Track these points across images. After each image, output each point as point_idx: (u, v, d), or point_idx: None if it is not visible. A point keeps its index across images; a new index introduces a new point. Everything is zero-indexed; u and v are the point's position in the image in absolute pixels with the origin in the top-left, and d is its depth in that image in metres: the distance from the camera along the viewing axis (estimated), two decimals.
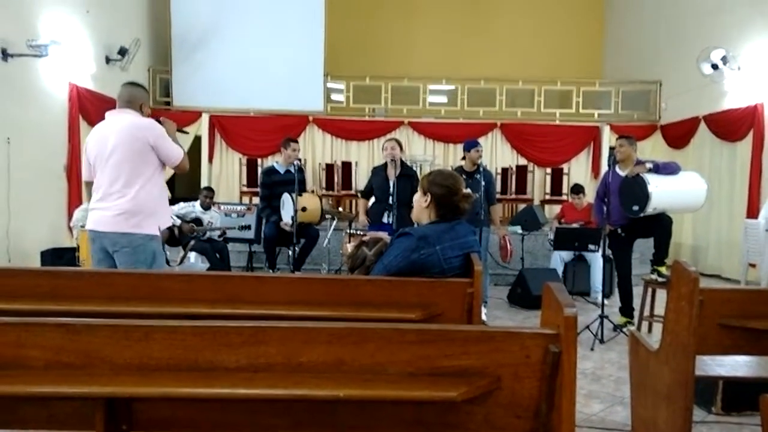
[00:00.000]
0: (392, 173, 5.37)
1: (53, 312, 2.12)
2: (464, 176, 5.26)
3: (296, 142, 6.19)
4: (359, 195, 6.04)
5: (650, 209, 4.74)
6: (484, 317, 5.45)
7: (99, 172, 3.35)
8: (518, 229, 7.29)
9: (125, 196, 3.28)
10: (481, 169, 5.44)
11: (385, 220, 5.37)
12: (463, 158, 5.63)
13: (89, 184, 3.54)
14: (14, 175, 6.48)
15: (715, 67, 8.12)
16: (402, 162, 5.43)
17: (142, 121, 3.37)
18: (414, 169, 5.47)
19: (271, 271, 6.03)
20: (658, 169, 4.88)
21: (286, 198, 5.71)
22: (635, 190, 4.82)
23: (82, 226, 5.45)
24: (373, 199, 5.67)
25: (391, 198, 5.31)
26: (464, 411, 1.54)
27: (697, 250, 8.91)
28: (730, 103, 8.30)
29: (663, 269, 4.84)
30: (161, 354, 1.51)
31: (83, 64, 7.88)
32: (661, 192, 4.75)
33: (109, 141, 3.30)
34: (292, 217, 5.45)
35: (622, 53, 11.85)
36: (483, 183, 5.33)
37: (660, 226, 4.94)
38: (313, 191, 6.70)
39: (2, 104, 6.37)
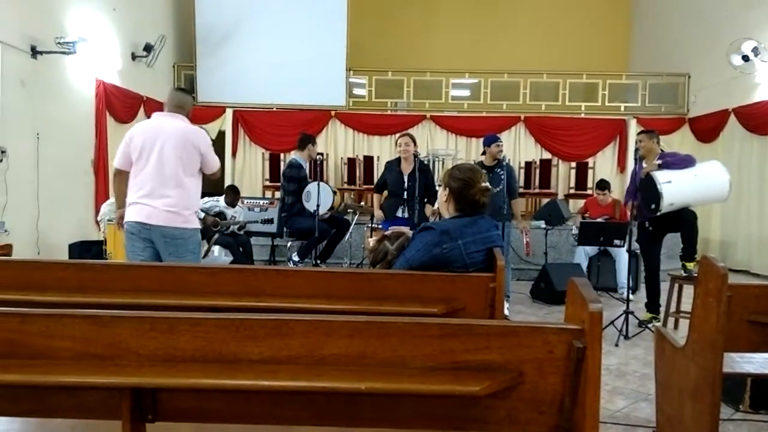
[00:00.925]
0: (407, 168, 5.41)
1: (81, 304, 2.16)
2: (485, 171, 5.25)
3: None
4: (374, 190, 6.10)
5: (667, 205, 4.60)
6: (506, 312, 5.44)
7: (144, 166, 3.54)
8: (542, 223, 7.22)
9: (177, 194, 3.53)
10: (504, 163, 5.41)
11: (399, 214, 5.42)
12: (483, 153, 5.62)
13: (120, 172, 3.68)
14: (43, 170, 6.62)
15: (746, 58, 7.93)
16: (415, 156, 5.45)
17: (196, 129, 3.71)
18: (426, 163, 5.50)
19: (298, 262, 6.06)
20: (669, 164, 4.78)
21: (312, 189, 5.76)
22: (649, 188, 4.71)
23: (110, 220, 5.55)
24: (386, 194, 5.71)
25: (406, 193, 5.35)
26: (486, 405, 1.53)
27: (725, 246, 8.74)
28: (761, 95, 8.10)
29: (691, 265, 4.75)
30: (186, 345, 1.53)
31: (110, 60, 8.00)
32: (676, 187, 4.61)
33: (160, 139, 3.53)
34: (316, 211, 5.54)
35: (649, 45, 11.63)
36: (504, 177, 5.31)
37: (684, 222, 4.84)
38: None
39: (31, 100, 6.50)
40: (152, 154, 3.52)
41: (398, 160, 5.54)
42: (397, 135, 5.91)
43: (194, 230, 3.66)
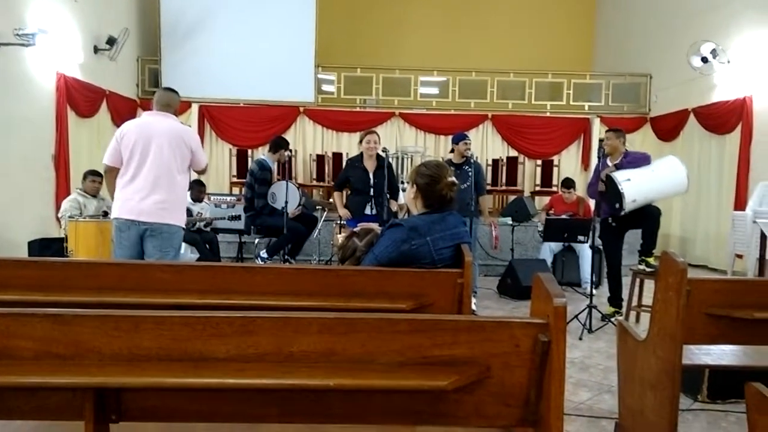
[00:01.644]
0: (371, 165, 5.42)
1: (42, 302, 2.11)
2: (453, 168, 5.35)
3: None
4: (334, 188, 6.01)
5: (630, 203, 4.71)
6: (474, 307, 5.50)
7: (136, 164, 3.66)
8: (508, 220, 7.31)
9: (168, 192, 3.68)
10: (472, 161, 5.49)
11: (367, 211, 5.41)
12: (452, 151, 5.68)
13: (111, 169, 3.78)
14: (1, 166, 6.42)
15: (704, 60, 8.16)
16: (378, 154, 5.49)
17: (186, 128, 3.95)
18: (389, 160, 5.54)
19: (266, 259, 5.99)
20: (624, 165, 4.91)
21: (277, 190, 5.73)
22: (612, 189, 4.82)
23: (71, 217, 5.42)
24: (348, 192, 5.70)
25: (372, 190, 5.36)
26: (454, 400, 1.54)
27: (684, 242, 9.00)
28: (719, 95, 8.35)
29: (651, 260, 4.90)
30: (150, 344, 1.50)
31: (71, 53, 7.79)
32: (635, 184, 4.73)
33: (154, 137, 3.67)
34: (284, 208, 5.51)
35: (612, 46, 11.88)
36: (471, 175, 5.39)
37: (647, 218, 4.97)
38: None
39: None
40: (147, 152, 3.65)
41: (360, 157, 5.50)
42: (362, 132, 5.89)
43: (179, 227, 3.80)
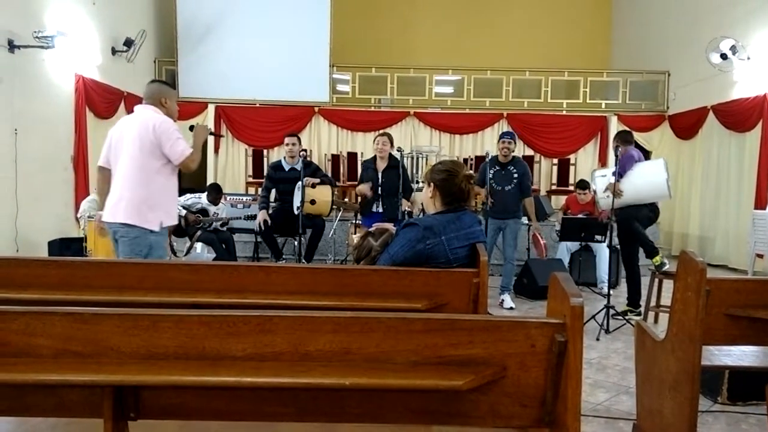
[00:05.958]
0: (381, 166, 5.60)
1: (62, 301, 2.14)
2: (497, 167, 5.45)
3: (292, 136, 6.21)
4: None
5: (602, 199, 5.03)
6: (512, 304, 5.62)
7: (113, 162, 3.45)
8: (524, 219, 7.26)
9: (131, 188, 3.32)
10: (516, 161, 5.62)
11: (374, 209, 5.61)
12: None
13: (102, 169, 3.56)
14: (21, 167, 6.51)
15: (724, 56, 8.04)
16: (390, 155, 5.62)
17: (152, 116, 3.38)
18: (398, 159, 5.57)
19: (275, 260, 6.04)
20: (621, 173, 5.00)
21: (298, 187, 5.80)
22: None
23: (90, 217, 5.49)
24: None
25: (380, 188, 5.54)
26: (470, 399, 1.54)
27: (704, 241, 8.87)
28: (738, 93, 8.22)
29: (655, 259, 4.88)
30: (169, 342, 1.52)
31: (89, 55, 7.89)
32: (605, 182, 5.00)
33: (125, 133, 3.39)
34: (297, 207, 5.56)
35: (630, 43, 11.75)
36: (516, 176, 5.53)
37: (618, 224, 5.04)
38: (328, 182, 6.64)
39: (9, 96, 6.39)
40: (120, 150, 3.39)
41: (374, 159, 5.71)
42: (376, 134, 6.01)
43: (142, 229, 3.31)
